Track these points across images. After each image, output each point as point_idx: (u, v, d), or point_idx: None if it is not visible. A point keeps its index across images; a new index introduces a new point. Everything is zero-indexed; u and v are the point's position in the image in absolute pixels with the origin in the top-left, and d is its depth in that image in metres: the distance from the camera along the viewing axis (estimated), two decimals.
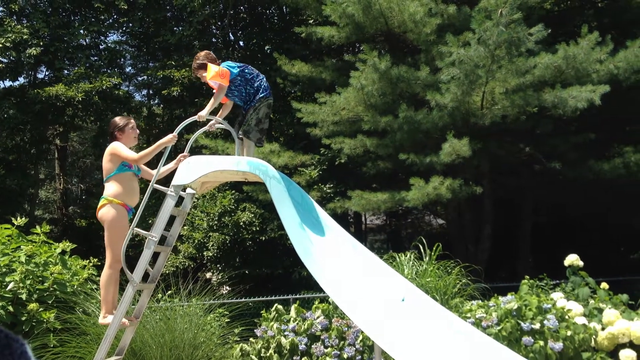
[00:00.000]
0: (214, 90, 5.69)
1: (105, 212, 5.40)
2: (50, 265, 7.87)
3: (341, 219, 15.74)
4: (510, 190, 15.73)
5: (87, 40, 21.24)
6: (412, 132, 12.32)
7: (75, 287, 7.90)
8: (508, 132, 13.09)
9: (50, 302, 7.53)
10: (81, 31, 19.99)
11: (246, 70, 5.73)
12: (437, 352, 4.32)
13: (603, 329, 8.22)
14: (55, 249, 8.27)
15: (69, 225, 22.76)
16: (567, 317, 8.07)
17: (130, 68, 23.56)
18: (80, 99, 17.91)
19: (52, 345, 7.08)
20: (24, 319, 7.26)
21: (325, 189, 15.20)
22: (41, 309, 7.37)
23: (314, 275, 4.68)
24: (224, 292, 14.14)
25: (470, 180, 12.65)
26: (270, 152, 14.33)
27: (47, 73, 21.38)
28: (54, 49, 19.04)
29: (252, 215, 15.51)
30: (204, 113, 5.54)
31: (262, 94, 5.65)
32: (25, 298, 7.39)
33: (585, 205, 15.72)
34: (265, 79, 5.83)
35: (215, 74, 5.46)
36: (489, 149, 12.61)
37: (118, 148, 5.47)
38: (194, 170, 5.30)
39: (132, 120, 5.81)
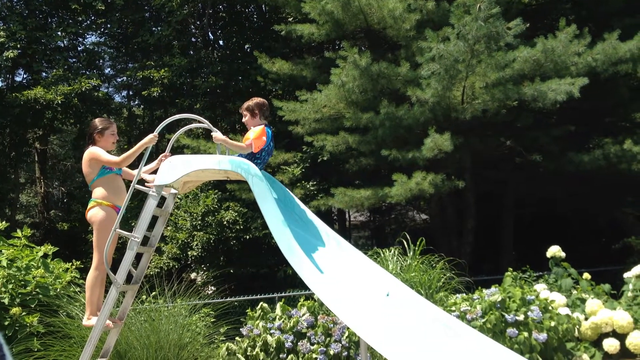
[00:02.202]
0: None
1: (94, 214, 5.37)
2: (33, 269, 7.80)
3: (325, 216, 15.74)
4: (492, 183, 15.81)
5: (65, 42, 21.04)
6: (394, 128, 12.34)
7: (58, 290, 7.83)
8: (489, 126, 13.16)
9: (33, 305, 7.47)
10: (59, 33, 19.78)
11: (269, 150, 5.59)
12: (422, 346, 4.34)
13: (586, 319, 8.31)
14: (37, 252, 8.20)
15: (51, 229, 22.56)
16: (550, 308, 8.14)
17: (109, 69, 23.43)
18: (59, 101, 17.76)
19: (35, 349, 7.02)
20: (6, 323, 7.20)
21: (308, 186, 15.19)
22: (24, 313, 7.30)
23: (298, 272, 4.67)
24: (209, 292, 14.10)
25: (453, 174, 12.71)
26: None
27: (25, 76, 21.18)
28: (31, 51, 18.86)
29: (236, 214, 15.46)
30: (220, 137, 5.48)
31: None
32: (8, 302, 7.32)
33: (566, 197, 15.85)
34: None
35: (259, 141, 5.35)
36: (470, 143, 12.67)
37: (98, 153, 5.41)
38: (176, 170, 5.27)
39: (114, 126, 5.74)
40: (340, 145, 13.35)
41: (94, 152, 5.43)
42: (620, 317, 8.02)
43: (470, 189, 13.57)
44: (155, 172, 5.48)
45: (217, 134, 5.51)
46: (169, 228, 15.99)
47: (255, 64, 16.55)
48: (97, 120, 5.72)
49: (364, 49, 13.90)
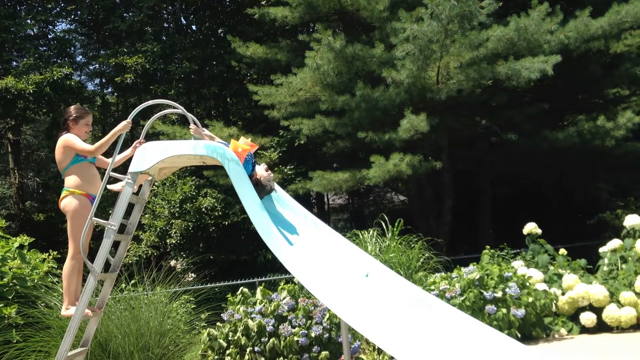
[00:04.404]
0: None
1: (67, 203, 5.29)
2: (9, 260, 7.72)
3: (303, 200, 15.72)
4: (468, 163, 15.92)
5: (35, 30, 20.70)
6: (370, 110, 12.35)
7: (35, 281, 7.76)
8: (464, 106, 13.22)
9: (10, 297, 7.39)
10: (28, 21, 19.46)
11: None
12: (402, 325, 4.37)
13: (563, 293, 8.42)
14: (12, 243, 8.11)
15: (27, 220, 22.30)
16: (528, 284, 8.24)
17: (81, 57, 23.09)
18: (31, 91, 17.49)
19: (15, 341, 6.96)
20: None
21: (286, 170, 15.18)
22: (1, 305, 7.23)
23: (277, 255, 4.67)
24: (190, 279, 14.07)
25: (430, 155, 12.76)
26: (229, 136, 14.21)
27: None
28: (0, 40, 18.53)
29: (214, 200, 15.42)
30: (200, 130, 5.52)
31: None
32: None
33: (542, 175, 16.02)
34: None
35: (242, 151, 5.19)
36: (446, 123, 12.72)
37: (72, 141, 5.33)
38: (151, 157, 5.22)
39: (89, 115, 5.65)
40: (316, 128, 13.33)
41: (67, 139, 5.35)
42: (596, 291, 8.14)
43: (447, 169, 13.65)
44: (129, 161, 5.43)
45: (197, 127, 5.54)
46: (146, 216, 15.90)
47: (229, 48, 16.43)
48: (72, 108, 5.64)
49: (338, 31, 13.86)
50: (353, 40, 12.65)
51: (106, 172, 5.33)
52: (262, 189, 5.15)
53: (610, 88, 14.65)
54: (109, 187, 5.50)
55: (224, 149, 5.15)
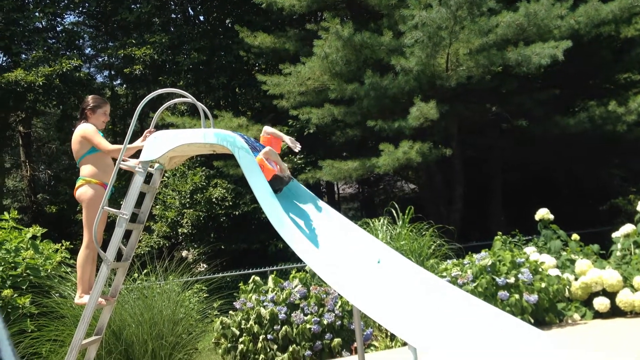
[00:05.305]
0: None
1: (83, 192, 5.30)
2: (22, 251, 7.77)
3: (314, 189, 15.66)
4: (479, 150, 15.86)
5: (43, 22, 20.71)
6: (379, 98, 12.31)
7: (48, 271, 7.81)
8: (474, 93, 13.16)
9: (24, 287, 7.44)
10: (37, 14, 19.49)
11: None
12: (415, 311, 4.36)
13: (576, 279, 8.39)
14: (25, 234, 8.16)
15: (39, 212, 22.42)
16: (540, 269, 8.21)
17: (89, 49, 23.09)
18: (40, 83, 17.53)
19: (29, 331, 7.02)
20: None
21: (295, 160, 15.18)
22: (16, 295, 7.28)
23: (289, 243, 4.66)
24: (201, 269, 14.13)
25: (439, 142, 12.72)
26: (238, 126, 14.24)
27: (4, 58, 20.87)
28: (9, 33, 18.56)
29: (224, 190, 15.45)
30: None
31: None
32: None
33: (553, 161, 15.95)
34: None
35: (266, 166, 5.11)
36: (456, 110, 12.67)
37: (91, 133, 5.32)
38: (161, 145, 5.21)
39: (107, 105, 5.64)
40: (325, 117, 13.31)
41: (87, 130, 5.34)
42: (609, 275, 8.11)
43: (457, 156, 13.62)
44: (139, 152, 5.42)
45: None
46: (157, 207, 15.96)
47: (237, 38, 16.41)
48: (90, 97, 5.65)
49: (346, 19, 13.83)
50: (361, 28, 12.59)
51: (116, 163, 5.32)
52: (281, 181, 5.14)
53: (621, 73, 14.56)
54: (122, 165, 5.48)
55: (234, 137, 5.13)
